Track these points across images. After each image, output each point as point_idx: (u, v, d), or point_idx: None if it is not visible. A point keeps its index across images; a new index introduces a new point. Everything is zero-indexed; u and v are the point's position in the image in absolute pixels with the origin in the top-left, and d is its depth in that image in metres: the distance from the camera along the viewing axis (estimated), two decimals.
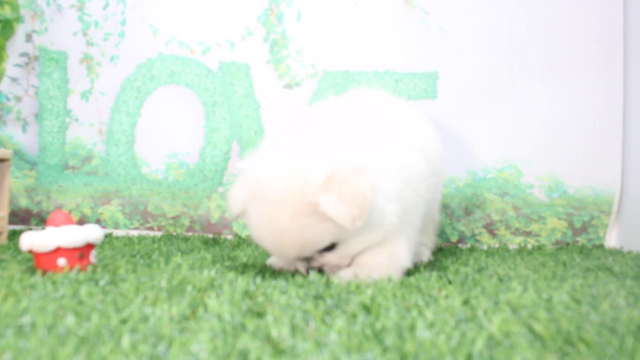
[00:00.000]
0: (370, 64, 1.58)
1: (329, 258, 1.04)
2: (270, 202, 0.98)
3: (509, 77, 1.58)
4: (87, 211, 1.57)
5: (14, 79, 1.58)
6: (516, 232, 1.58)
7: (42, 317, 0.71)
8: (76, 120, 1.58)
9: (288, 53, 1.58)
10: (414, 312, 0.80)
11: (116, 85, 1.58)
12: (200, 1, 1.59)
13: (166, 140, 1.58)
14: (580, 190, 1.57)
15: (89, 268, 1.01)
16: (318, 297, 0.88)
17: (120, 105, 1.58)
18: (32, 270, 1.01)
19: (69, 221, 1.02)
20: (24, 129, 1.58)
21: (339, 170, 0.97)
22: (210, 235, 1.56)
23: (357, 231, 1.00)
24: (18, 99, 1.58)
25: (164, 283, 0.91)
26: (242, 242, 1.50)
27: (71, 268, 0.98)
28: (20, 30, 1.57)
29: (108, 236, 1.50)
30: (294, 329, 0.72)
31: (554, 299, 0.90)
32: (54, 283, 0.91)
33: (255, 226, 1.01)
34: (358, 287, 0.94)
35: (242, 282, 0.96)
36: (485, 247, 1.57)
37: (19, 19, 1.49)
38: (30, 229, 1.54)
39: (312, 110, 1.18)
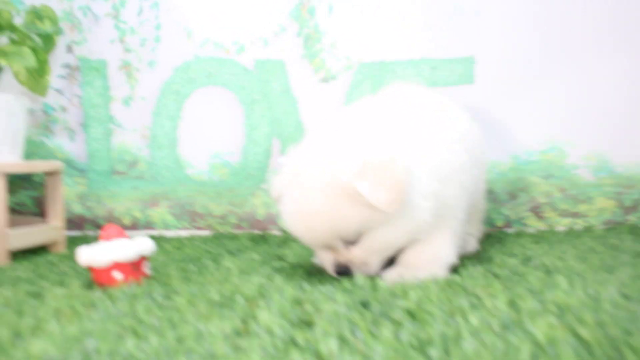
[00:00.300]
0: (405, 53, 1.57)
1: (355, 252, 1.04)
2: (302, 185, 1.02)
3: (548, 57, 1.54)
4: (138, 214, 1.62)
5: (58, 90, 1.63)
6: (563, 213, 1.56)
7: (104, 340, 0.75)
8: (120, 126, 1.63)
9: (322, 47, 1.58)
10: (459, 318, 0.81)
11: (156, 90, 1.61)
12: (232, 1, 1.60)
13: (208, 141, 1.61)
14: (628, 168, 1.53)
15: (144, 280, 1.05)
16: (365, 304, 0.89)
17: (161, 109, 1.61)
18: (90, 285, 1.06)
19: (120, 234, 1.06)
20: (71, 137, 1.64)
21: (375, 157, 0.99)
22: (258, 232, 1.59)
23: (386, 220, 1.00)
24: (64, 109, 1.63)
25: (215, 294, 0.94)
26: (289, 237, 1.53)
27: (126, 281, 1.02)
28: (61, 42, 1.61)
29: (159, 239, 1.55)
30: (342, 341, 0.74)
31: (602, 296, 0.89)
32: (112, 299, 0.95)
33: (287, 210, 1.05)
34: (403, 290, 0.96)
35: (290, 289, 0.98)
36: (532, 231, 1.55)
37: (58, 32, 1.52)
38: (85, 235, 1.60)
39: (347, 109, 1.19)
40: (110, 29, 1.61)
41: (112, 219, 1.63)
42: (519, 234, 1.51)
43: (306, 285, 1.00)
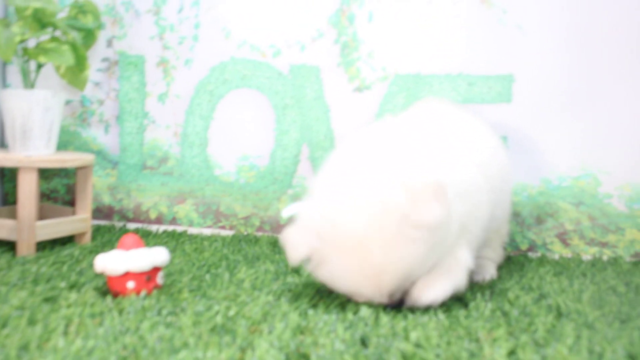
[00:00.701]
0: (443, 67, 1.54)
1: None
2: (355, 237, 0.95)
3: (590, 80, 1.48)
4: (164, 210, 1.66)
5: (96, 84, 1.67)
6: (591, 242, 1.52)
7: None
8: (153, 122, 1.66)
9: (359, 55, 1.56)
10: None
11: (190, 89, 1.63)
12: (271, 3, 1.59)
13: (238, 143, 1.63)
14: None
15: (155, 292, 1.08)
16: (364, 341, 0.90)
17: (194, 108, 1.63)
18: (104, 291, 1.09)
19: (138, 244, 1.09)
20: (106, 130, 1.68)
21: (416, 181, 0.96)
22: (279, 236, 1.61)
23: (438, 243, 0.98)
24: (101, 102, 1.67)
25: (219, 317, 0.96)
26: None
27: (138, 291, 1.06)
28: (102, 36, 1.64)
29: (182, 236, 1.59)
30: None
31: (606, 355, 0.87)
32: (120, 311, 0.98)
33: (341, 277, 0.99)
34: (405, 329, 0.96)
35: (294, 314, 1.00)
36: (556, 257, 1.52)
37: (100, 27, 1.55)
38: (112, 225, 1.65)
39: (366, 132, 1.16)
40: (150, 25, 1.63)
41: (140, 212, 1.67)
42: (542, 261, 1.48)
43: (311, 312, 1.02)
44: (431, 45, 1.54)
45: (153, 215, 1.66)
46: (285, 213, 1.40)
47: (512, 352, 0.89)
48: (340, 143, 1.16)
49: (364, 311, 1.01)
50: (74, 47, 1.42)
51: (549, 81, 1.51)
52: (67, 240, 1.50)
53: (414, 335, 0.93)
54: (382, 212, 0.96)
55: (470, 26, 1.52)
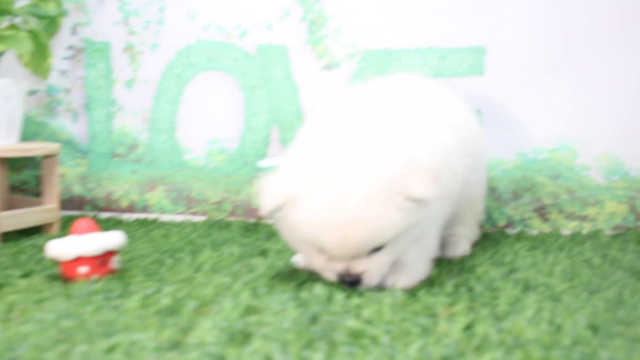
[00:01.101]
0: (413, 41, 1.50)
1: (380, 260, 0.97)
2: (335, 187, 0.92)
3: (564, 50, 1.44)
4: (135, 198, 1.64)
5: (62, 72, 1.65)
6: (570, 216, 1.48)
7: (34, 348, 0.75)
8: (121, 109, 1.63)
9: (326, 32, 1.53)
10: (399, 345, 0.78)
11: (158, 73, 1.60)
12: None
13: (207, 127, 1.60)
14: None
15: (110, 275, 1.06)
16: (314, 318, 0.87)
17: (162, 93, 1.61)
18: (57, 278, 1.07)
19: (91, 229, 1.07)
20: (74, 119, 1.65)
21: (415, 151, 0.97)
22: (252, 220, 1.59)
23: (420, 218, 0.97)
24: (67, 91, 1.65)
25: (167, 300, 0.94)
26: None
27: (88, 276, 1.03)
28: (66, 23, 1.62)
29: (153, 223, 1.57)
30: None
31: (566, 327, 0.84)
32: (67, 296, 0.96)
33: (310, 219, 0.93)
34: (358, 306, 0.93)
35: (247, 294, 0.97)
36: (535, 232, 1.48)
37: (63, 14, 1.53)
38: (84, 215, 1.63)
39: (340, 99, 1.14)
40: (114, 11, 1.61)
41: (111, 202, 1.65)
42: (520, 237, 1.44)
43: (263, 292, 0.99)
44: (400, 19, 1.50)
45: (124, 203, 1.64)
46: (262, 163, 1.37)
47: (468, 327, 0.86)
48: (314, 112, 1.12)
49: (318, 289, 0.98)
50: (34, 34, 1.39)
51: (522, 52, 1.47)
52: (36, 231, 1.48)
53: (366, 312, 0.90)
54: (372, 170, 0.93)
55: None
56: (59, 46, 1.63)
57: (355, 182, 0.92)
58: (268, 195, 0.97)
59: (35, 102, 1.66)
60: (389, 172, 0.93)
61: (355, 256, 0.95)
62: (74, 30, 1.63)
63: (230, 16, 1.57)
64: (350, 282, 0.97)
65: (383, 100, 1.12)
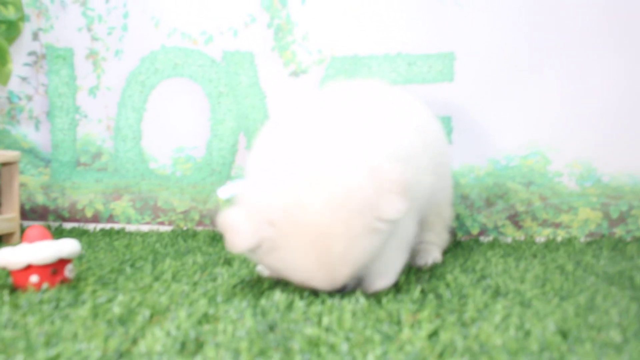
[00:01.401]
0: (381, 47, 1.48)
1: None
2: (314, 226, 0.88)
3: (533, 56, 1.43)
4: (100, 207, 1.59)
5: (24, 78, 1.60)
6: (544, 223, 1.46)
7: None
8: (85, 116, 1.59)
9: (293, 39, 1.50)
10: (357, 353, 0.74)
11: (122, 80, 1.57)
12: None
13: (172, 135, 1.56)
14: (616, 178, 1.42)
15: (63, 285, 1.01)
16: (271, 328, 0.83)
17: (126, 101, 1.57)
18: (9, 288, 1.02)
19: (43, 237, 1.03)
20: (36, 127, 1.61)
21: (380, 163, 0.92)
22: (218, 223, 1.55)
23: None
24: (29, 98, 1.60)
25: (119, 309, 0.89)
26: None
27: (39, 285, 0.99)
28: (27, 29, 1.57)
29: (118, 233, 1.52)
30: None
31: (534, 333, 0.81)
32: (15, 306, 0.91)
33: (292, 262, 0.91)
34: (319, 313, 0.89)
35: (204, 302, 0.93)
36: (509, 240, 1.46)
37: (23, 19, 1.49)
38: (48, 226, 1.58)
39: (302, 104, 1.12)
40: (77, 17, 1.57)
41: (75, 211, 1.61)
42: (492, 245, 1.41)
43: (221, 300, 0.95)
44: (368, 25, 1.48)
45: (89, 213, 1.59)
46: (221, 193, 1.32)
47: (433, 334, 0.83)
48: (274, 116, 1.09)
49: (278, 296, 0.95)
50: None
51: (492, 58, 1.45)
52: None
53: (326, 320, 0.86)
54: (346, 200, 0.89)
55: (408, 4, 1.47)
56: (20, 52, 1.59)
57: (332, 216, 0.88)
58: (238, 237, 0.91)
59: None
60: (362, 199, 0.89)
61: None
62: (35, 36, 1.59)
63: (195, 22, 1.54)
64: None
65: (347, 108, 1.08)
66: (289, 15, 1.50)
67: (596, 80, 1.42)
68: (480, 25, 1.45)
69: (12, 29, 1.44)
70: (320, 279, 0.93)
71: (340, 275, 0.93)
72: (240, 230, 0.91)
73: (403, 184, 0.91)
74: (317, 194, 0.89)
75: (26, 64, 1.60)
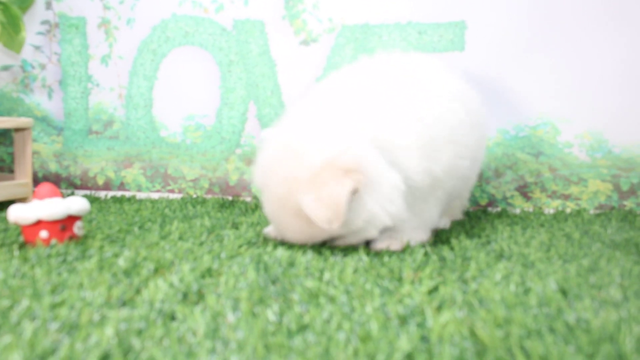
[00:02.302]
0: (392, 16, 1.47)
1: (340, 242, 1.04)
2: (273, 200, 1.01)
3: (545, 26, 1.41)
4: (111, 175, 1.61)
5: (37, 47, 1.62)
6: (553, 195, 1.45)
7: None
8: (97, 85, 1.60)
9: (304, 7, 1.50)
10: (356, 304, 0.75)
11: (133, 49, 1.58)
12: None
13: (183, 103, 1.57)
14: (627, 150, 1.40)
15: (72, 240, 1.03)
16: (272, 282, 0.84)
17: (137, 69, 1.58)
18: (16, 243, 1.04)
19: (53, 194, 1.04)
20: (49, 95, 1.63)
21: (322, 169, 0.95)
22: (228, 197, 1.56)
23: (345, 231, 0.99)
24: (42, 67, 1.62)
25: (124, 262, 0.91)
26: (259, 204, 1.48)
27: (48, 241, 1.00)
28: None
29: (129, 200, 1.54)
30: (214, 322, 0.69)
31: (534, 290, 0.81)
32: (24, 259, 0.93)
33: (266, 210, 1.04)
34: (321, 269, 0.90)
35: (208, 258, 0.94)
36: (518, 211, 1.45)
37: None
38: (61, 193, 1.60)
39: (329, 81, 1.13)
40: None
41: (87, 179, 1.62)
42: (501, 215, 1.41)
43: (224, 255, 0.96)
44: None
45: (100, 181, 1.61)
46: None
47: (433, 289, 0.83)
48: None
49: (281, 253, 0.96)
50: (4, 6, 1.37)
51: (503, 27, 1.44)
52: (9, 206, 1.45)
53: (327, 275, 0.87)
54: (287, 188, 0.98)
55: None
56: (33, 21, 1.60)
57: (282, 198, 0.99)
58: (254, 175, 1.08)
59: (10, 78, 1.63)
60: (295, 190, 0.96)
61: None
62: (48, 5, 1.60)
63: None
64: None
65: (370, 91, 1.08)
66: None
67: (608, 54, 1.39)
68: None
69: None
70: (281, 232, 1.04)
71: (291, 237, 1.02)
72: (254, 171, 1.08)
73: (333, 202, 0.93)
74: (276, 178, 1.01)
75: (39, 33, 1.61)
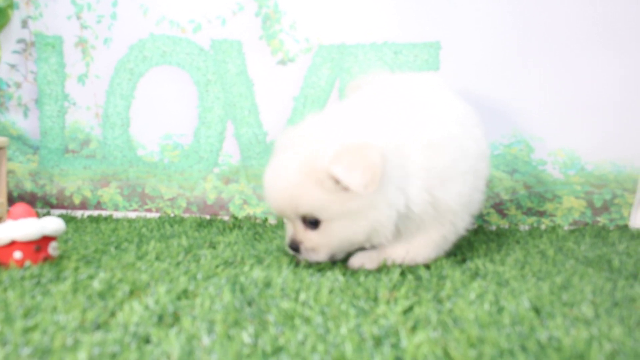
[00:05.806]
0: (368, 36, 1.49)
1: (310, 236, 1.03)
2: (282, 159, 1.03)
3: (519, 46, 1.44)
4: (88, 194, 1.60)
5: (12, 66, 1.61)
6: (528, 212, 1.47)
7: None
8: (74, 104, 1.60)
9: (281, 27, 1.51)
10: (331, 325, 0.75)
11: (110, 68, 1.57)
12: None
13: (160, 122, 1.57)
14: (599, 167, 1.43)
15: (47, 262, 1.02)
16: (248, 303, 0.84)
17: (114, 88, 1.58)
18: None
19: (28, 214, 1.03)
20: (25, 114, 1.61)
21: (350, 143, 0.97)
22: (207, 217, 1.55)
23: (344, 214, 0.98)
24: (18, 85, 1.61)
25: (99, 284, 0.90)
26: (237, 223, 1.48)
27: (22, 262, 0.99)
28: (16, 16, 1.58)
29: (106, 219, 1.53)
30: (189, 346, 0.69)
31: (508, 309, 0.82)
32: None
33: (265, 174, 1.07)
34: (297, 290, 0.90)
35: (184, 279, 0.94)
36: (493, 228, 1.47)
37: (12, 6, 1.50)
38: (37, 212, 1.58)
39: (356, 95, 1.18)
40: (66, 5, 1.57)
41: (63, 198, 1.61)
42: (477, 232, 1.42)
43: (201, 277, 0.96)
44: (355, 14, 1.49)
45: (77, 200, 1.60)
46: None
47: (408, 309, 0.84)
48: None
49: (257, 274, 0.96)
50: None
51: (477, 48, 1.46)
52: None
53: (303, 296, 0.87)
54: (304, 159, 1.00)
55: None
56: (9, 40, 1.59)
57: (292, 161, 1.02)
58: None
59: None
60: (319, 159, 0.98)
61: (290, 219, 1.06)
62: (24, 24, 1.59)
63: (183, 10, 1.54)
64: (292, 247, 1.07)
65: (389, 107, 1.11)
66: (276, 4, 1.51)
67: (580, 72, 1.43)
68: (466, 16, 1.46)
69: (1, 16, 1.45)
70: (268, 197, 1.06)
71: (279, 203, 1.04)
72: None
73: (370, 165, 0.95)
74: (293, 154, 1.04)
75: (15, 52, 1.60)
